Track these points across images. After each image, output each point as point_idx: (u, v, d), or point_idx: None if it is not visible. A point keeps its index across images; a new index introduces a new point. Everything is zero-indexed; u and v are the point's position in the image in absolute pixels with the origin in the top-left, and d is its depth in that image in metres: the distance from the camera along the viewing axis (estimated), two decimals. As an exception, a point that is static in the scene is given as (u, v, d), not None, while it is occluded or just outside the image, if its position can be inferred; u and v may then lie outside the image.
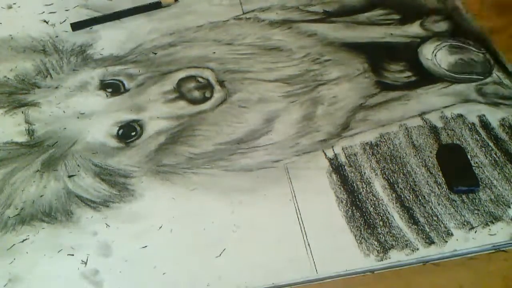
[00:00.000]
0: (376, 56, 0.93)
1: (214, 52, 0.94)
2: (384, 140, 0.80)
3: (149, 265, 0.68)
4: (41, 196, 0.75)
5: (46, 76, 0.91)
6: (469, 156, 0.77)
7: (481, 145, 0.79)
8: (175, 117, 0.84)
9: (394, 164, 0.77)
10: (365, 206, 0.72)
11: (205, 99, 0.87)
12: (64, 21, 1.01)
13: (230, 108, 0.85)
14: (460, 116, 0.83)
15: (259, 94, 0.87)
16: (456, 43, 0.94)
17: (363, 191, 0.74)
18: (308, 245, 0.69)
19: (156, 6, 1.02)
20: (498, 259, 0.67)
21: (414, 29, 0.98)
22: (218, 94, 0.87)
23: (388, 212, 0.72)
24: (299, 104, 0.85)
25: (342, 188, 0.74)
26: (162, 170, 0.78)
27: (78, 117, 0.85)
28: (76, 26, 0.99)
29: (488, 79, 0.88)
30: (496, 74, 0.89)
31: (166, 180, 0.76)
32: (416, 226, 0.70)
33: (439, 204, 0.72)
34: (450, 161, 0.76)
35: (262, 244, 0.69)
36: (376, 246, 0.68)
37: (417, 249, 0.68)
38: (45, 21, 1.02)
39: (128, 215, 0.73)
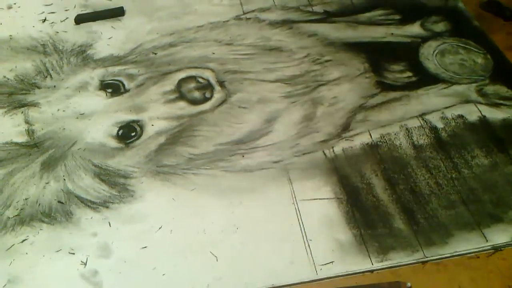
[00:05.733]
0: (376, 56, 0.92)
1: (214, 53, 0.94)
2: (385, 141, 0.80)
3: (148, 266, 0.68)
4: (41, 196, 0.75)
5: (46, 77, 0.91)
6: None
7: (481, 146, 0.78)
8: (175, 117, 0.84)
9: (394, 165, 0.77)
10: (366, 207, 0.72)
11: (205, 100, 0.87)
12: (64, 20, 1.01)
13: (230, 108, 0.85)
14: (461, 116, 0.83)
15: (259, 94, 0.87)
16: (457, 43, 0.94)
17: (363, 192, 0.74)
18: (308, 246, 0.69)
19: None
20: (497, 258, 0.67)
21: (415, 29, 0.97)
22: (218, 95, 0.87)
23: (389, 213, 0.72)
24: (300, 104, 0.85)
25: (342, 189, 0.74)
26: (162, 170, 0.77)
27: (77, 118, 0.84)
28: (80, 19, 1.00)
29: (489, 80, 0.88)
30: (497, 74, 0.89)
31: (166, 180, 0.76)
32: (416, 227, 0.70)
33: (439, 205, 0.72)
34: None
35: (262, 244, 0.69)
36: (377, 247, 0.68)
37: (418, 250, 0.68)
38: (45, 21, 1.02)
39: (128, 215, 0.73)
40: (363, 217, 0.71)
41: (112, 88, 0.89)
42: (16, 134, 0.83)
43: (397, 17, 1.00)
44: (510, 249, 0.68)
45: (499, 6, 0.99)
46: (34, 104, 0.87)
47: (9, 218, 0.73)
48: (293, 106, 0.85)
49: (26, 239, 0.71)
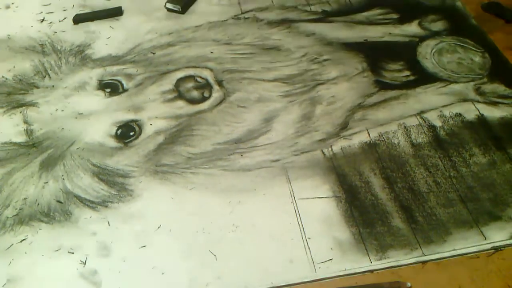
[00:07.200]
0: (374, 55, 0.93)
1: (212, 52, 0.94)
2: (383, 140, 0.80)
3: (148, 265, 0.68)
4: (40, 196, 0.75)
5: (45, 76, 0.91)
6: None
7: (479, 144, 0.79)
8: (173, 117, 0.84)
9: (393, 163, 0.77)
10: (364, 206, 0.72)
11: (203, 99, 0.87)
12: (63, 20, 1.01)
13: (228, 107, 0.85)
14: (459, 115, 0.83)
15: (257, 93, 0.87)
16: (455, 42, 0.94)
17: (362, 190, 0.74)
18: (307, 244, 0.69)
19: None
20: (497, 258, 0.67)
21: (413, 28, 0.98)
22: (216, 94, 0.87)
23: (387, 211, 0.72)
24: (298, 103, 0.85)
25: (341, 188, 0.74)
26: (161, 170, 0.77)
27: (76, 117, 0.84)
28: (79, 19, 1.01)
29: (487, 78, 0.88)
30: (495, 72, 0.89)
31: (165, 180, 0.76)
32: (415, 225, 0.70)
33: (437, 203, 0.72)
34: None
35: (261, 243, 0.69)
36: (375, 245, 0.68)
37: (416, 248, 0.68)
38: (43, 21, 1.02)
39: (127, 215, 0.73)
40: (362, 215, 0.71)
41: (111, 87, 0.89)
42: (14, 134, 0.83)
43: (395, 16, 1.00)
44: (510, 249, 0.68)
45: (500, 7, 0.99)
46: (33, 104, 0.87)
47: (8, 217, 0.73)
48: (291, 105, 0.85)
49: (25, 239, 0.71)
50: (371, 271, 0.66)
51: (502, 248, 0.68)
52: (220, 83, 0.89)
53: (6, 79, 0.91)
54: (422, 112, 0.83)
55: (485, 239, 0.68)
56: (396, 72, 0.90)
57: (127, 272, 0.67)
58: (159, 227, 0.71)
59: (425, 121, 0.82)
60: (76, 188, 0.75)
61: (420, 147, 0.79)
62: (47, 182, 0.76)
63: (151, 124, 0.83)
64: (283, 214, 0.72)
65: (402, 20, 0.99)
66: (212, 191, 0.75)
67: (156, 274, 0.67)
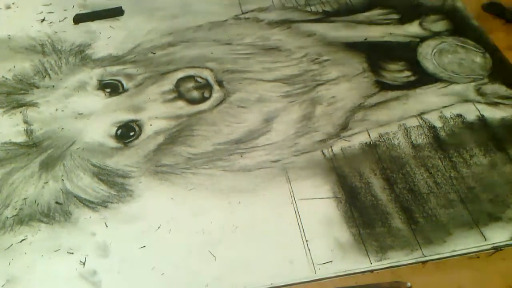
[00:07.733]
0: (375, 55, 0.92)
1: (213, 52, 0.94)
2: (383, 140, 0.80)
3: (147, 265, 0.68)
4: (40, 196, 0.75)
5: (45, 76, 0.91)
6: None
7: (480, 145, 0.78)
8: (174, 117, 0.84)
9: (393, 164, 0.77)
10: (364, 207, 0.72)
11: (204, 99, 0.87)
12: (63, 20, 1.01)
13: (229, 108, 0.85)
14: (459, 116, 0.83)
15: (258, 94, 0.87)
16: (455, 43, 0.94)
17: (362, 191, 0.74)
18: (307, 245, 0.69)
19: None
20: (497, 258, 0.67)
21: (413, 28, 0.97)
22: (217, 94, 0.87)
23: (387, 212, 0.72)
24: (298, 104, 0.85)
25: (341, 188, 0.74)
26: (161, 170, 0.77)
27: (76, 117, 0.84)
28: (79, 19, 1.00)
29: (487, 79, 0.88)
30: (496, 73, 0.89)
31: (164, 180, 0.76)
32: (415, 226, 0.70)
33: (438, 204, 0.72)
34: None
35: (261, 244, 0.69)
36: (375, 246, 0.68)
37: (416, 249, 0.68)
38: (43, 21, 1.02)
39: (126, 215, 0.73)
40: (362, 216, 0.71)
41: (111, 87, 0.89)
42: (14, 134, 0.83)
43: (395, 16, 1.00)
44: (510, 249, 0.68)
45: (501, 8, 0.99)
46: (33, 104, 0.87)
47: (7, 218, 0.73)
48: (291, 105, 0.85)
49: (24, 239, 0.71)
50: (371, 271, 0.66)
51: (502, 248, 0.68)
52: (220, 83, 0.89)
53: (6, 79, 0.91)
54: (423, 113, 0.83)
55: (485, 240, 0.68)
56: (396, 72, 0.90)
57: (126, 273, 0.67)
58: (158, 228, 0.71)
59: (425, 122, 0.82)
60: (76, 188, 0.75)
61: (421, 148, 0.79)
62: (47, 182, 0.76)
63: (151, 125, 0.83)
64: (283, 215, 0.72)
65: (403, 21, 0.99)
66: (212, 192, 0.75)
67: (156, 274, 0.67)
